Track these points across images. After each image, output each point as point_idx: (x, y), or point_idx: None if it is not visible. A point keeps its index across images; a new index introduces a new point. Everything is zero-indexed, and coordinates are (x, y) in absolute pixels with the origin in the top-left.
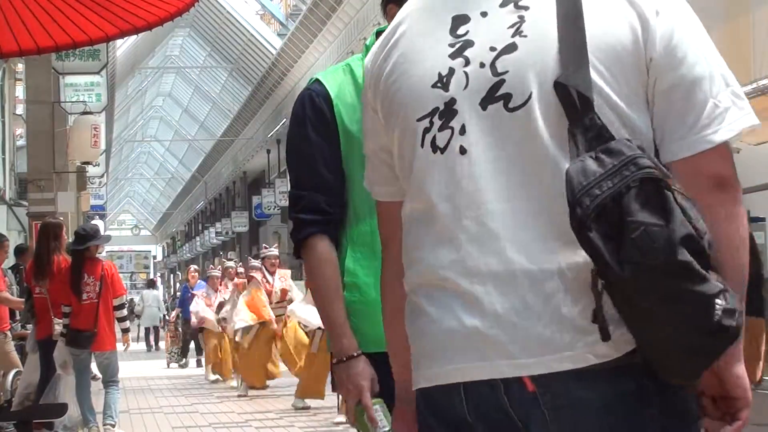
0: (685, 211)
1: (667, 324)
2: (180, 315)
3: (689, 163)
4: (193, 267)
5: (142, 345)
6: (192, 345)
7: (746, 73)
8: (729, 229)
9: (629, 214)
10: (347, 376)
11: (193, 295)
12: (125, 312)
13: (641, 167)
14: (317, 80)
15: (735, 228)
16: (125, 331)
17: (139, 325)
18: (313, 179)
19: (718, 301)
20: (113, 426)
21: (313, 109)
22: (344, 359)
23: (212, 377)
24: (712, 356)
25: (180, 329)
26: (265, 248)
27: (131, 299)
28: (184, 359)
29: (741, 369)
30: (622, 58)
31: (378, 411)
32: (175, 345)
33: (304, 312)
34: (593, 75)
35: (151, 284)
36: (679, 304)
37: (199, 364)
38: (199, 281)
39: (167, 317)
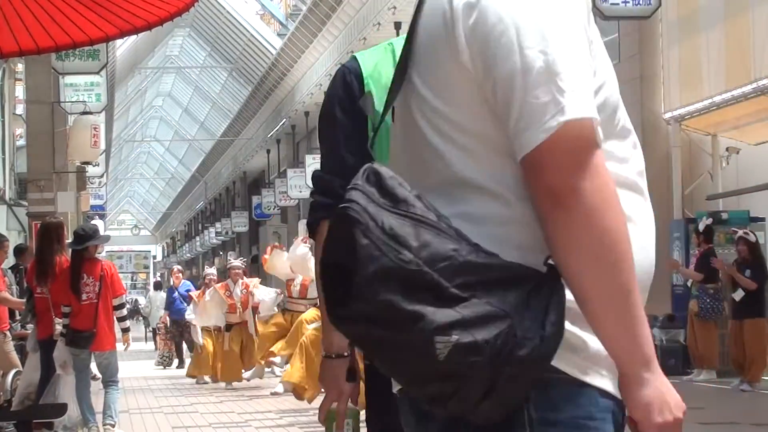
0: (396, 238)
1: (402, 374)
2: (170, 317)
3: (524, 169)
4: (176, 267)
5: (141, 345)
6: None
7: (746, 73)
8: (562, 252)
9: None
10: (330, 375)
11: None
12: (125, 312)
13: (342, 206)
14: (353, 57)
15: (571, 251)
16: (125, 330)
17: (146, 327)
18: (334, 162)
19: (440, 338)
20: (113, 426)
21: (343, 86)
22: (332, 356)
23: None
24: (500, 393)
25: (169, 331)
26: (230, 259)
27: (135, 300)
28: (177, 361)
29: (641, 393)
30: (441, 65)
31: (348, 425)
32: (167, 348)
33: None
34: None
35: (157, 286)
36: (394, 349)
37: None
38: (183, 281)
39: None
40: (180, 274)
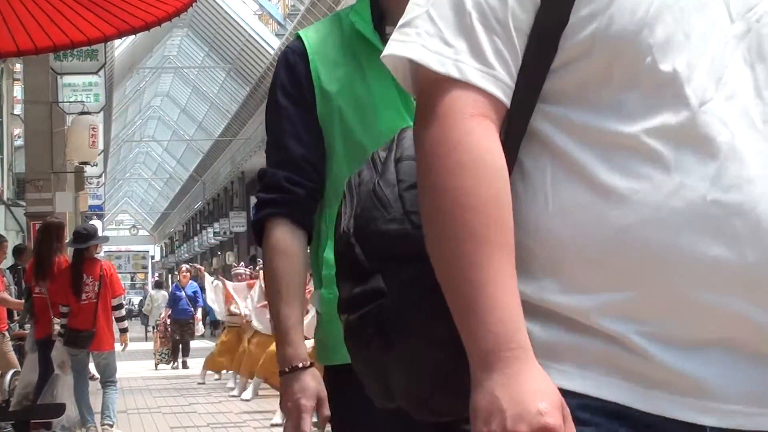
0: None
1: None
2: (170, 316)
3: None
4: (184, 266)
5: (140, 345)
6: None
7: None
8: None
9: None
10: (286, 392)
11: (191, 297)
12: (123, 312)
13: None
14: (297, 35)
15: (420, 190)
16: (123, 331)
17: (145, 325)
18: (278, 153)
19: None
20: (111, 426)
21: (286, 68)
22: (286, 370)
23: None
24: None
25: (169, 330)
26: (233, 264)
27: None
28: (174, 361)
29: (472, 396)
30: None
31: None
32: (164, 346)
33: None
34: None
35: (158, 285)
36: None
37: (185, 365)
38: (190, 282)
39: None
40: (188, 274)
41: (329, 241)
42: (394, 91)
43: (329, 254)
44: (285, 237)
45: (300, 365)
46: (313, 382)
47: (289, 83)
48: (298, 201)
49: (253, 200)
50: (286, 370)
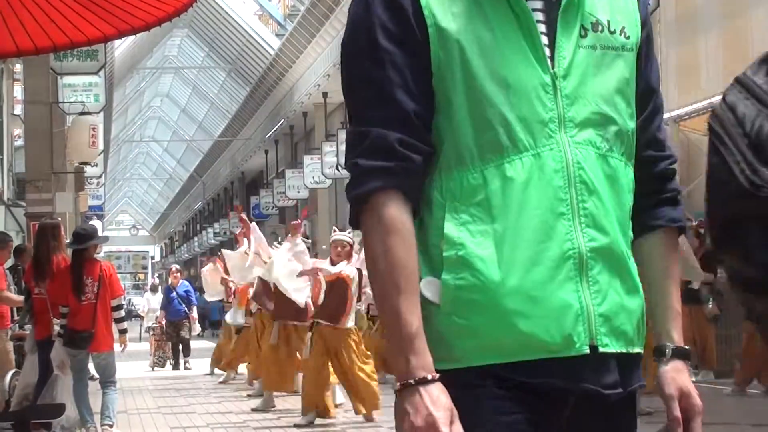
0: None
1: None
2: (166, 317)
3: None
4: (174, 267)
5: (139, 345)
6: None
7: None
8: None
9: None
10: (414, 408)
11: (182, 296)
12: (123, 313)
13: None
14: None
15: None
16: (122, 332)
17: (140, 326)
18: (384, 109)
19: None
20: (111, 426)
21: (386, 4)
22: (411, 382)
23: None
24: None
25: (165, 332)
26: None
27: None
28: (175, 363)
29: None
30: None
31: None
32: (160, 349)
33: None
34: None
35: (153, 288)
36: None
37: (187, 366)
38: (182, 282)
39: None
40: (178, 274)
41: (449, 213)
42: (518, 33)
43: (451, 230)
44: (401, 215)
45: (429, 377)
46: (443, 395)
47: (392, 21)
48: (414, 170)
49: (254, 200)
50: (411, 382)
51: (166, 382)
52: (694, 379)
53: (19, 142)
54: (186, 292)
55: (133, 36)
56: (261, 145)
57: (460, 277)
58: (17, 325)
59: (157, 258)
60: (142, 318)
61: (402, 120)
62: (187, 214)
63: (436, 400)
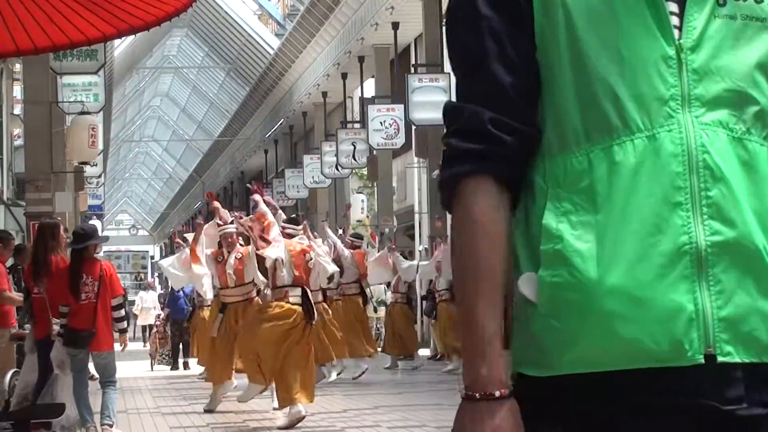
0: None
1: None
2: (169, 315)
3: None
4: None
5: (139, 345)
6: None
7: None
8: None
9: None
10: (472, 427)
11: (189, 295)
12: (123, 312)
13: None
14: None
15: None
16: (122, 331)
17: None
18: (479, 83)
19: None
20: (111, 426)
21: None
22: (476, 396)
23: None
24: None
25: (169, 331)
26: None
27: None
28: (174, 364)
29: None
30: None
31: None
32: (163, 347)
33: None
34: None
35: (147, 287)
36: None
37: (186, 366)
38: None
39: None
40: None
41: (551, 202)
42: (641, 1)
43: (551, 220)
44: (491, 206)
45: (497, 393)
46: (512, 418)
47: None
48: (509, 153)
49: (253, 200)
50: (477, 396)
51: (166, 381)
52: None
53: (19, 142)
54: (192, 290)
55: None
56: (260, 144)
57: (556, 274)
58: (17, 324)
59: (157, 258)
60: (136, 316)
61: (498, 96)
62: (186, 213)
63: (503, 424)
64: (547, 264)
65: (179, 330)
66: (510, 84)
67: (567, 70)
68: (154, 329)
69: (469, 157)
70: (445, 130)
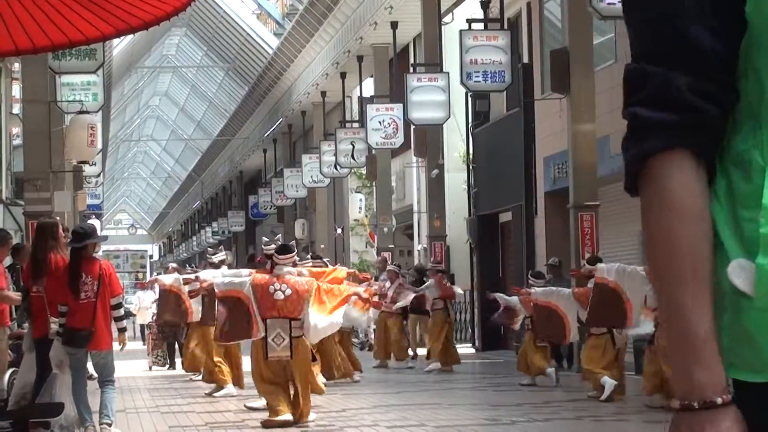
0: None
1: None
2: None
3: None
4: (171, 265)
5: (137, 344)
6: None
7: None
8: None
9: None
10: None
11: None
12: (122, 311)
13: None
14: None
15: None
16: (122, 330)
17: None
18: (670, 40)
19: None
20: (110, 425)
21: None
22: (694, 405)
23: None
24: None
25: (162, 331)
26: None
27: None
28: (171, 363)
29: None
30: None
31: None
32: (158, 348)
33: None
34: None
35: (145, 286)
36: None
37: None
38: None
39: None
40: (176, 273)
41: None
42: None
43: None
44: (690, 185)
45: (719, 401)
46: (738, 429)
47: None
48: (709, 124)
49: (252, 199)
50: (694, 405)
51: (164, 381)
52: None
53: (18, 141)
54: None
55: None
56: (259, 144)
57: None
58: (15, 323)
59: (156, 257)
60: (134, 315)
61: (694, 58)
62: (185, 213)
63: None
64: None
65: (173, 330)
66: (709, 45)
67: None
68: (148, 330)
69: (662, 129)
70: (626, 98)
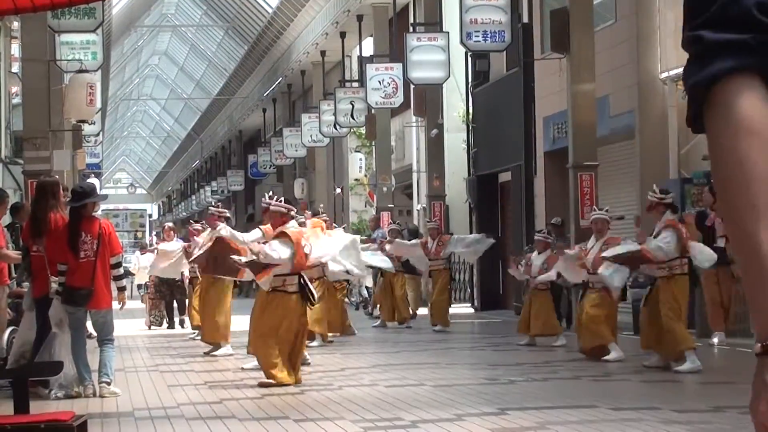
0: None
1: None
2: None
3: None
4: (167, 225)
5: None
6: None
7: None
8: None
9: None
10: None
11: None
12: (122, 270)
13: None
14: None
15: None
16: (121, 289)
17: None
18: None
19: None
20: (108, 384)
21: None
22: None
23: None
24: None
25: (159, 291)
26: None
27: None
28: (170, 321)
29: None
30: None
31: None
32: (155, 308)
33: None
34: None
35: (143, 246)
36: None
37: (182, 324)
38: (175, 239)
39: None
40: (172, 232)
41: None
42: None
43: None
44: (762, 108)
45: None
46: None
47: None
48: None
49: (251, 159)
50: None
51: (163, 340)
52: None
53: (17, 100)
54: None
55: None
56: (259, 103)
57: None
58: (15, 282)
59: (155, 216)
60: (133, 275)
61: None
62: (184, 172)
63: None
64: None
65: (169, 289)
66: None
67: None
68: (144, 291)
69: (731, 50)
70: (685, 23)
